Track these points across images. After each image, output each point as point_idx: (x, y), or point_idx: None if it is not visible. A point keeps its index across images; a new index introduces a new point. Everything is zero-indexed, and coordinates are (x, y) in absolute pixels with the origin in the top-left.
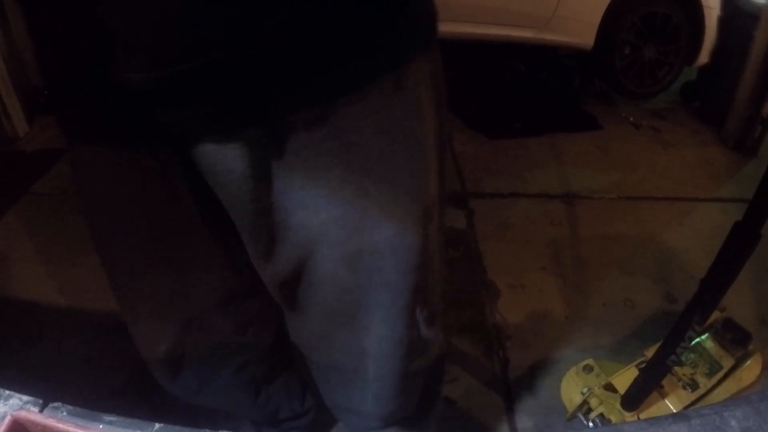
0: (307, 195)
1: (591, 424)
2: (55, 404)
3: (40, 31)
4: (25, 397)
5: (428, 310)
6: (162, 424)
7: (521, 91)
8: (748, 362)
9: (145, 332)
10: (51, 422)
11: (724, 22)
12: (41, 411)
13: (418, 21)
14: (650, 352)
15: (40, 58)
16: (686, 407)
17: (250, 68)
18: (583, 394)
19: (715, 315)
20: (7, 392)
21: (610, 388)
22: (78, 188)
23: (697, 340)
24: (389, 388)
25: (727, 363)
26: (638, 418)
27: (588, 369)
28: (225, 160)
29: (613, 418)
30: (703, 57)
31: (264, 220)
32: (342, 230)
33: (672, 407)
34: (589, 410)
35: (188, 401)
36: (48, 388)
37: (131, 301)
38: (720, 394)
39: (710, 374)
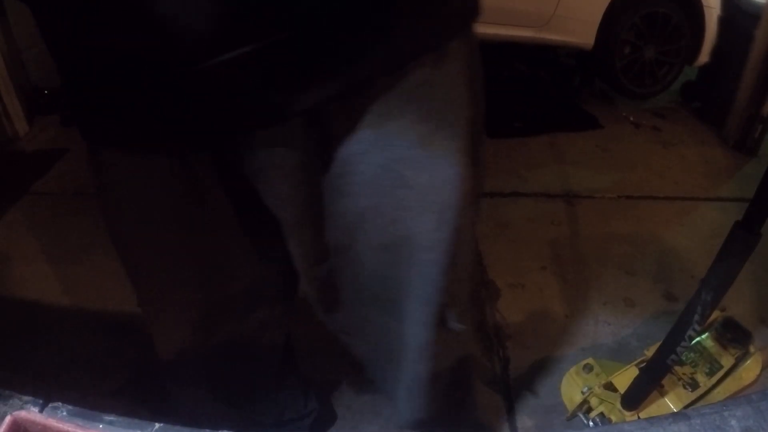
0: (346, 182)
1: (591, 423)
2: (55, 404)
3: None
4: (25, 397)
5: (459, 305)
6: (162, 424)
7: (521, 91)
8: (748, 361)
9: (162, 332)
10: (51, 422)
11: (724, 21)
12: (41, 411)
13: (457, 4)
14: (650, 352)
15: (65, 59)
16: (686, 406)
17: (299, 49)
18: (583, 393)
19: (716, 314)
20: (7, 392)
21: (610, 387)
22: (101, 193)
23: (698, 339)
24: (418, 383)
25: (728, 362)
26: (638, 418)
27: (588, 368)
28: (273, 156)
29: (614, 418)
30: (704, 57)
31: (308, 211)
32: (379, 219)
33: (672, 406)
34: (590, 409)
35: (194, 406)
36: (48, 388)
37: (151, 302)
38: (720, 393)
39: (710, 373)
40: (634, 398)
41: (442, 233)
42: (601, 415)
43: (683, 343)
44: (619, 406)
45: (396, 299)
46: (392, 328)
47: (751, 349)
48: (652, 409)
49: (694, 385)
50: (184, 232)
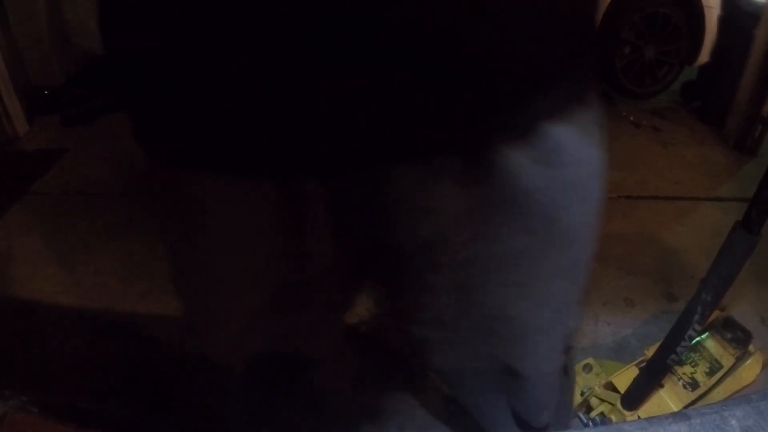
0: (492, 229)
1: (591, 423)
2: (54, 404)
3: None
4: (25, 397)
5: (578, 316)
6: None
7: None
8: (749, 361)
9: (212, 337)
10: (51, 422)
11: (724, 21)
12: (41, 411)
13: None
14: (650, 351)
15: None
16: (686, 406)
17: (464, 88)
18: (583, 393)
19: (716, 314)
20: (7, 392)
21: (610, 387)
22: (171, 211)
23: (698, 339)
24: (543, 396)
25: (728, 362)
26: (638, 417)
27: (588, 368)
28: (426, 198)
29: (614, 418)
30: (704, 56)
31: (447, 255)
32: (518, 261)
33: (672, 406)
34: (590, 409)
35: (211, 415)
36: (47, 388)
37: (206, 311)
38: (720, 393)
39: (710, 373)
40: (634, 398)
41: (576, 268)
42: (601, 415)
43: (683, 343)
44: (619, 406)
45: (519, 334)
46: (509, 361)
47: (751, 349)
48: (652, 409)
49: (694, 385)
50: (266, 254)
